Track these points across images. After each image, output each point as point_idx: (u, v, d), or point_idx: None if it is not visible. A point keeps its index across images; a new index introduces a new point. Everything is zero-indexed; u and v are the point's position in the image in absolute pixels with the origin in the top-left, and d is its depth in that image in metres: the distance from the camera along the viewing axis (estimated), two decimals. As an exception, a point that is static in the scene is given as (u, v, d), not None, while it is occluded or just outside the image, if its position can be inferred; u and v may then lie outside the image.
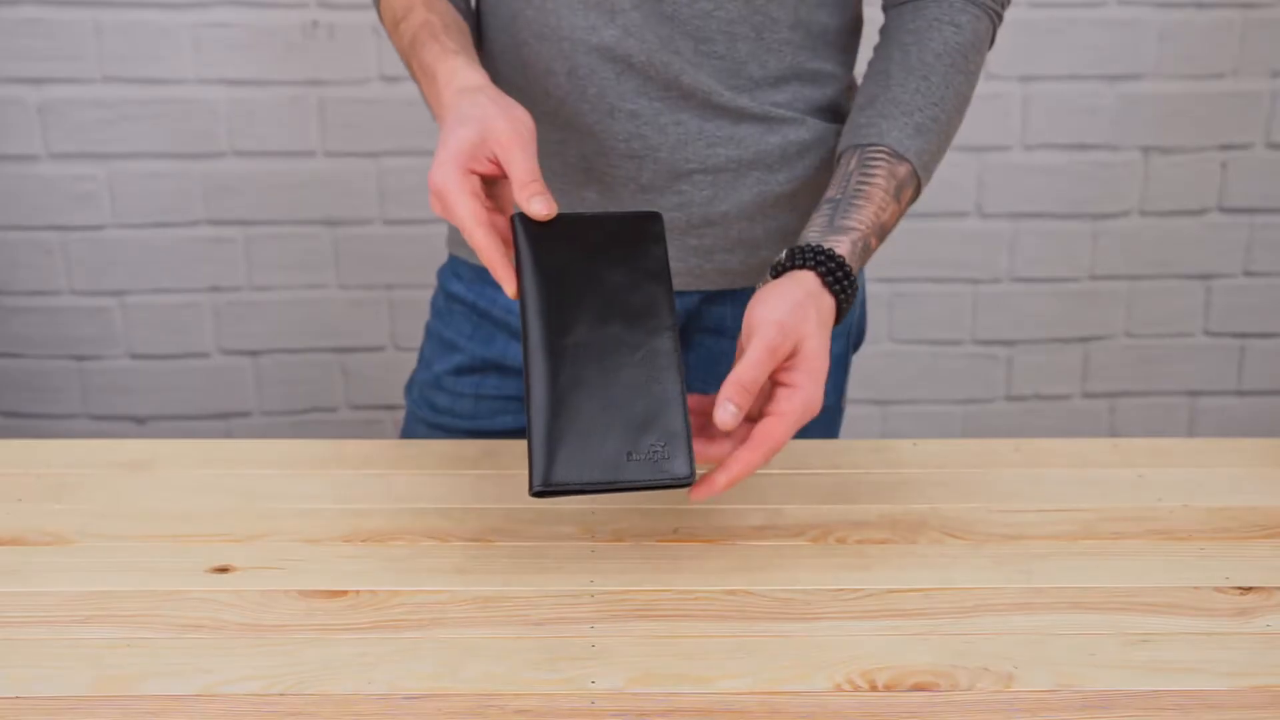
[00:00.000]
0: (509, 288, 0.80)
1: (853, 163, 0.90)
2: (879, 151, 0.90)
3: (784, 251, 0.85)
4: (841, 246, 0.85)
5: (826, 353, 0.81)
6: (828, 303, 0.83)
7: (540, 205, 0.80)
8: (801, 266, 0.83)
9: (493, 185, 0.84)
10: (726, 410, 0.77)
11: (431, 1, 0.94)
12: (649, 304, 0.80)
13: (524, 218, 0.81)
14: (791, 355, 0.80)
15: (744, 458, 0.78)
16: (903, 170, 0.90)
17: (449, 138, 0.81)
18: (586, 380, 0.77)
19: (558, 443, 0.75)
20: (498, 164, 0.82)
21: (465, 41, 0.92)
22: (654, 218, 0.84)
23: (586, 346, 0.78)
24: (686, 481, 0.76)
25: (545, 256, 0.80)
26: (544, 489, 0.74)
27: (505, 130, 0.81)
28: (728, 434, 0.80)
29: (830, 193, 0.90)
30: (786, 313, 0.80)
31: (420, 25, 0.92)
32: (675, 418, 0.77)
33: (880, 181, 0.89)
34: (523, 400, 0.78)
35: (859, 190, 0.88)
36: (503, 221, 0.83)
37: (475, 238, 0.79)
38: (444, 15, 0.93)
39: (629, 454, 0.76)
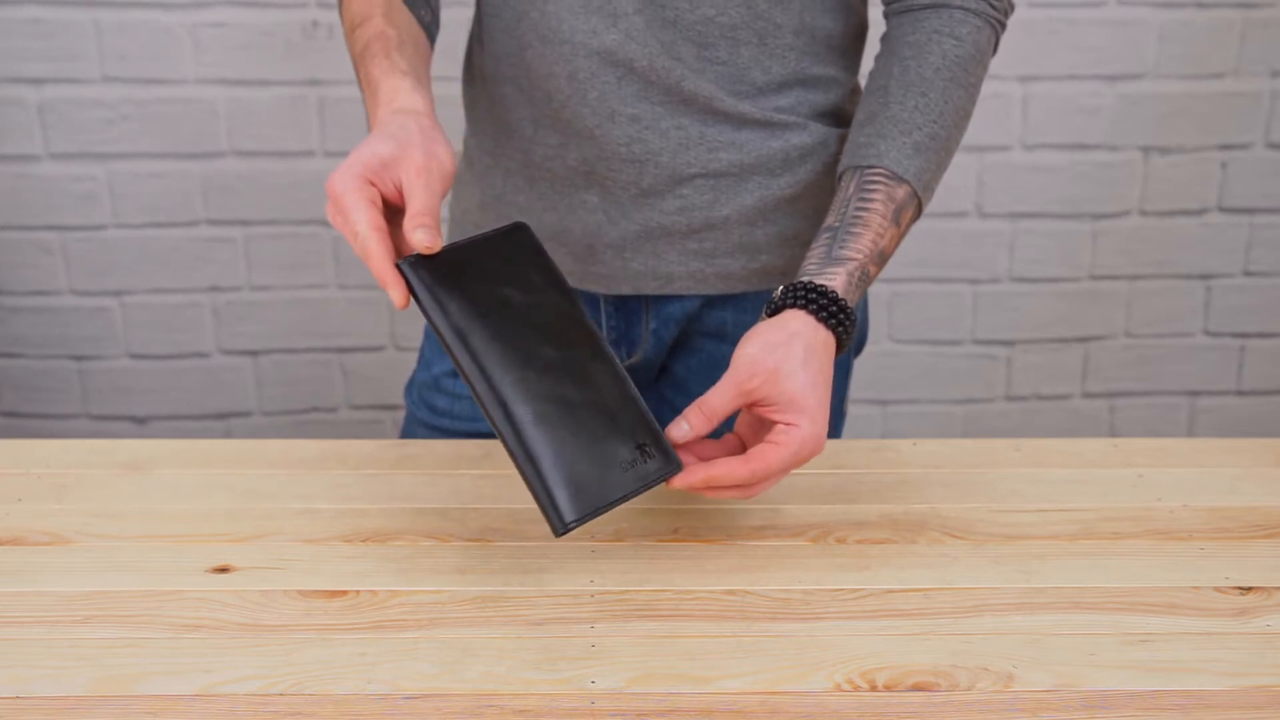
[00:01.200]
0: (397, 297, 0.77)
1: (851, 186, 0.90)
2: (877, 174, 0.89)
3: (780, 288, 0.85)
4: (837, 280, 0.84)
5: (820, 388, 0.80)
6: (822, 338, 0.82)
7: (424, 237, 0.76)
8: (793, 305, 0.83)
9: (393, 214, 0.80)
10: (680, 427, 0.80)
11: (391, 13, 0.92)
12: (561, 315, 0.80)
13: (411, 264, 0.78)
14: (775, 399, 0.80)
15: (730, 463, 0.78)
16: (901, 192, 0.89)
17: (361, 149, 0.79)
18: (547, 413, 0.77)
19: (557, 482, 0.76)
20: (400, 192, 0.79)
21: (417, 61, 0.89)
22: (522, 229, 0.82)
23: (528, 380, 0.77)
24: (673, 473, 0.78)
25: (446, 299, 0.78)
26: (566, 529, 0.75)
27: (417, 160, 0.78)
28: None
29: (829, 219, 0.89)
30: (761, 353, 0.80)
31: (375, 36, 0.89)
32: (640, 415, 0.79)
33: (878, 206, 0.88)
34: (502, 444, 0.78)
35: (857, 217, 0.88)
36: (398, 237, 0.80)
37: (369, 244, 0.76)
38: (401, 30, 0.90)
39: (621, 466, 0.77)
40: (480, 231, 0.84)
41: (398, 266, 0.78)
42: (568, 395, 0.78)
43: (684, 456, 0.80)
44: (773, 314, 0.84)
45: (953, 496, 0.92)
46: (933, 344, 2.04)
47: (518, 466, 0.76)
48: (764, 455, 0.78)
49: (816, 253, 0.87)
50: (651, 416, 0.79)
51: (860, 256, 0.86)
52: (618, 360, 0.81)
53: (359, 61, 0.90)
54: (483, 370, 0.77)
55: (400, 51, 0.88)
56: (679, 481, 0.78)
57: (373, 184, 0.78)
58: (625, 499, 0.77)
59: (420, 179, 0.78)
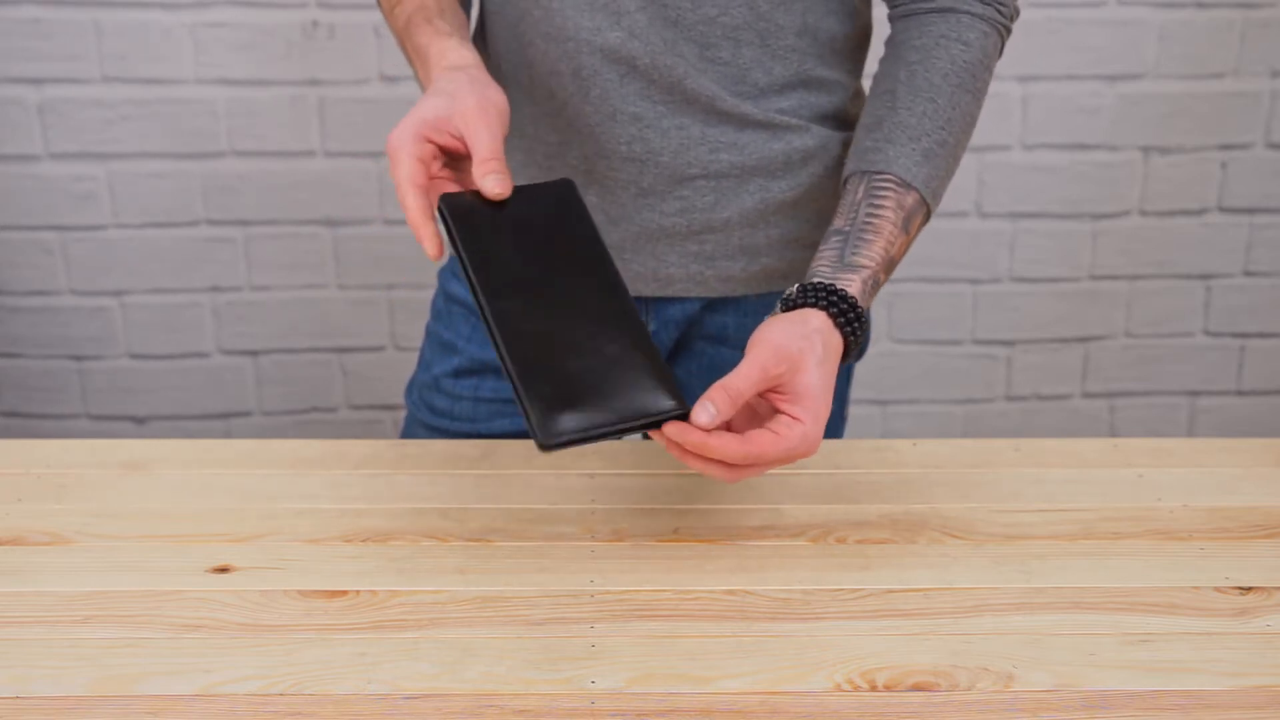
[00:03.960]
0: (431, 248, 0.79)
1: (860, 191, 0.89)
2: (886, 180, 0.88)
3: (795, 286, 0.84)
4: (853, 286, 0.84)
5: (829, 391, 0.79)
6: (835, 341, 0.81)
7: (494, 184, 0.80)
8: (814, 305, 0.82)
9: (459, 161, 0.84)
10: (705, 410, 0.75)
11: None
12: (591, 264, 0.80)
13: (448, 200, 0.81)
14: (790, 388, 0.78)
15: (728, 439, 0.75)
16: (910, 199, 0.88)
17: (417, 106, 0.82)
18: (556, 339, 0.76)
19: (550, 397, 0.74)
20: (462, 141, 0.82)
21: (459, 24, 0.93)
22: (568, 184, 0.84)
23: (544, 310, 0.77)
24: (676, 412, 0.75)
25: (479, 236, 0.80)
26: (551, 442, 0.72)
27: (472, 107, 0.81)
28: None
29: (838, 222, 0.88)
30: (787, 340, 0.79)
31: (416, 9, 0.93)
32: (652, 359, 0.77)
33: (889, 214, 0.87)
34: (501, 370, 0.77)
35: (868, 223, 0.87)
36: (468, 182, 0.83)
37: (406, 198, 0.79)
38: (441, 1, 0.94)
39: (620, 397, 0.75)
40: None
41: (437, 204, 0.81)
42: (582, 331, 0.77)
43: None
44: (787, 309, 0.83)
45: (953, 496, 0.92)
46: (933, 344, 2.04)
47: (511, 381, 0.75)
48: (761, 441, 0.77)
49: (828, 255, 0.86)
50: (665, 363, 0.77)
51: (873, 264, 0.85)
52: (637, 311, 0.79)
53: (404, 36, 0.94)
54: (498, 293, 0.78)
55: (442, 18, 0.92)
56: (675, 431, 0.75)
57: (429, 140, 0.81)
58: (621, 429, 0.74)
59: (480, 121, 0.81)
